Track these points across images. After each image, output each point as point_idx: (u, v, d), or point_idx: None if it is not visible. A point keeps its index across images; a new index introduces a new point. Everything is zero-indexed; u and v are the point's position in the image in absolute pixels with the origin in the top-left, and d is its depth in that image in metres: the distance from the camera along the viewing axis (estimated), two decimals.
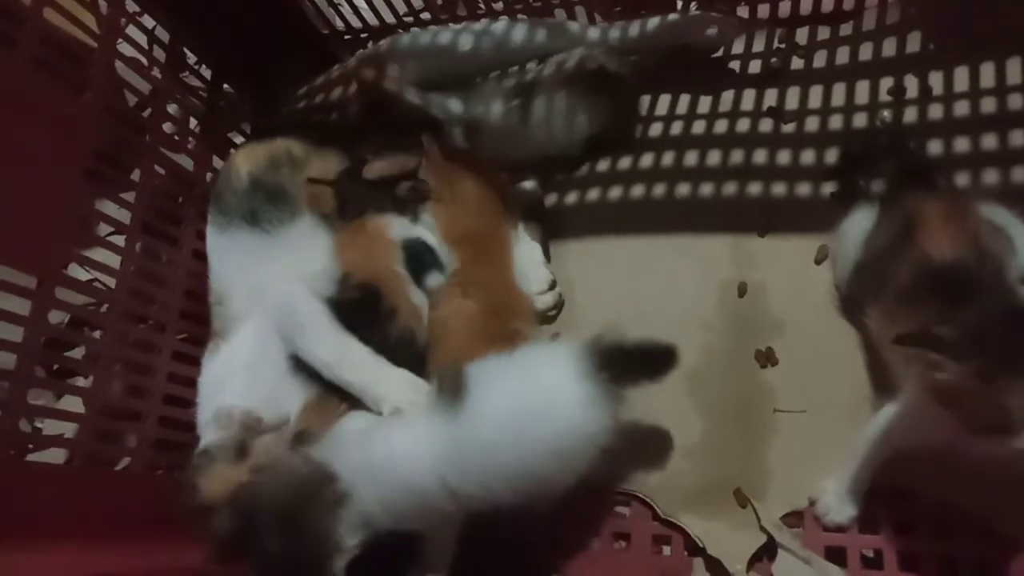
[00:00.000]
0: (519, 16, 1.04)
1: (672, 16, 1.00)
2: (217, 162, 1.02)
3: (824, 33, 1.02)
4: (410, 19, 1.09)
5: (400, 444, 0.68)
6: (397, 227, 0.89)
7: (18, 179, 0.75)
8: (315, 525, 0.64)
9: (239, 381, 0.81)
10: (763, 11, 1.03)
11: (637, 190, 1.01)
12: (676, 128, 1.03)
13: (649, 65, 1.05)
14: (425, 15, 1.09)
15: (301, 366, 0.80)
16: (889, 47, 0.99)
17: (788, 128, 0.99)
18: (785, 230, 0.94)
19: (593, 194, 1.03)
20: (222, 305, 0.89)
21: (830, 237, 0.89)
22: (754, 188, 0.97)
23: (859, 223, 0.82)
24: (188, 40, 0.99)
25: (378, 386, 0.75)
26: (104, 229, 0.94)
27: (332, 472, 0.66)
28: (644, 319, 0.93)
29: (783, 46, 1.03)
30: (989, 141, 0.89)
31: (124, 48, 0.90)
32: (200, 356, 0.89)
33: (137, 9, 0.93)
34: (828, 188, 0.94)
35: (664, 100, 1.05)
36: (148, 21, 1.02)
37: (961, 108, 0.92)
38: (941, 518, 0.79)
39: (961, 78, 0.93)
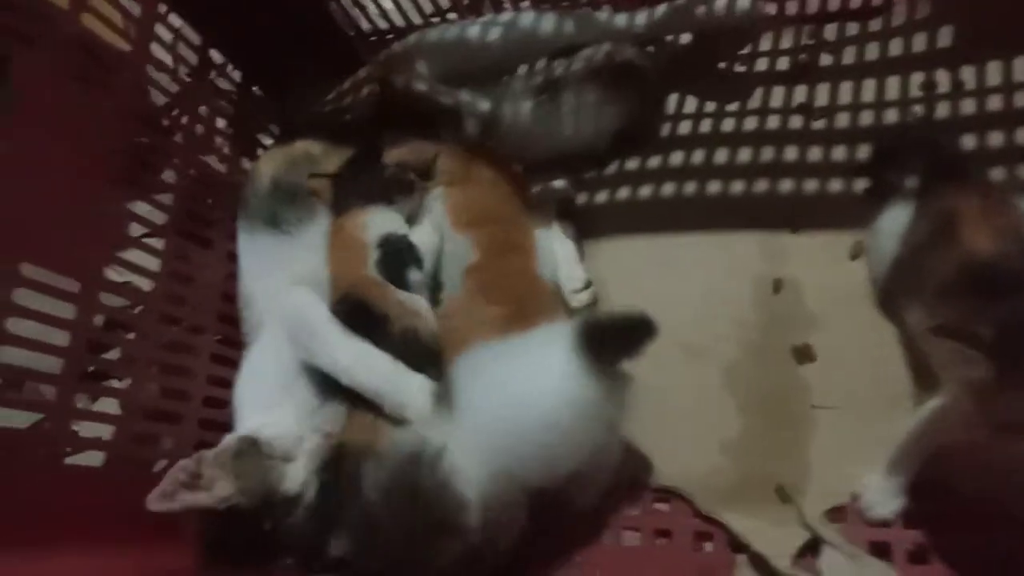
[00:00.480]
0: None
1: None
2: (246, 164, 1.03)
3: (853, 29, 1.02)
4: (437, 19, 1.09)
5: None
6: (377, 222, 0.86)
7: (57, 183, 0.76)
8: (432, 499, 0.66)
9: (260, 391, 0.81)
10: (791, 8, 1.03)
11: (668, 188, 1.01)
12: (705, 126, 1.03)
13: (677, 59, 1.05)
14: (452, 15, 1.09)
15: (316, 376, 0.79)
16: (919, 42, 0.99)
17: (818, 125, 0.99)
18: (818, 226, 0.94)
19: (623, 192, 1.03)
20: (248, 309, 0.89)
21: (865, 233, 0.89)
22: (785, 185, 0.97)
23: (895, 219, 0.82)
24: (218, 42, 0.99)
25: (400, 393, 0.73)
26: (136, 230, 0.95)
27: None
28: (678, 316, 0.91)
29: (812, 43, 1.04)
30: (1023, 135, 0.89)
31: (154, 49, 0.90)
32: (238, 359, 0.90)
33: (165, 11, 0.93)
34: (860, 184, 0.94)
35: (692, 98, 1.05)
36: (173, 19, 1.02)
37: (994, 103, 0.92)
38: (983, 513, 0.78)
39: (994, 72, 0.93)
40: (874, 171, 0.92)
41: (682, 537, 0.86)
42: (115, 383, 0.90)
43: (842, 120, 0.98)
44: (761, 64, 1.05)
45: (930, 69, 0.97)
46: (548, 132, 1.00)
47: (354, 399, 0.75)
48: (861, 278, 0.89)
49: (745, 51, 1.06)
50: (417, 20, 1.09)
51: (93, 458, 0.89)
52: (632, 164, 1.04)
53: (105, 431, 0.81)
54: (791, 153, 0.98)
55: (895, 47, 0.99)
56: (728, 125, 1.02)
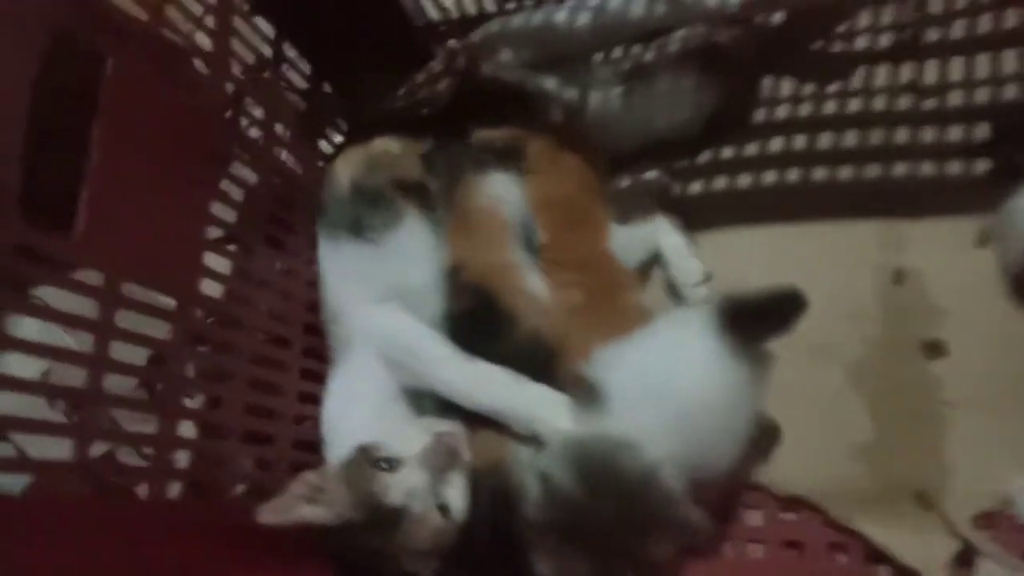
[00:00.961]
0: None
1: None
2: (319, 163, 0.97)
3: (961, 2, 0.96)
4: (512, 5, 1.03)
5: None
6: (505, 194, 0.81)
7: (148, 192, 0.69)
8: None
9: (354, 417, 0.76)
10: None
11: (769, 176, 0.95)
12: (804, 109, 0.97)
13: (768, 40, 0.99)
14: (528, 1, 1.02)
15: (419, 398, 0.75)
16: None
17: (929, 104, 0.93)
18: (938, 212, 0.88)
19: (720, 182, 0.97)
20: (336, 324, 0.84)
21: (992, 218, 0.84)
22: (899, 169, 0.91)
23: None
24: (290, 36, 0.93)
25: (528, 408, 0.69)
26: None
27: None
28: None
29: (916, 16, 0.98)
30: None
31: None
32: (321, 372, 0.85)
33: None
34: (982, 166, 0.88)
35: (787, 81, 0.99)
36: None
37: None
38: None
39: None
40: (996, 151, 0.87)
41: (814, 548, 0.81)
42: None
43: (955, 98, 0.92)
44: (861, 42, 0.98)
45: None
46: (638, 120, 0.94)
47: (471, 418, 0.70)
48: (990, 266, 0.84)
49: (842, 29, 0.99)
50: (491, 8, 1.03)
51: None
52: (728, 152, 0.98)
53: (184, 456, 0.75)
54: (902, 135, 0.92)
55: (1011, 17, 0.93)
56: (830, 108, 0.96)
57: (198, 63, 0.78)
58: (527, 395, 0.69)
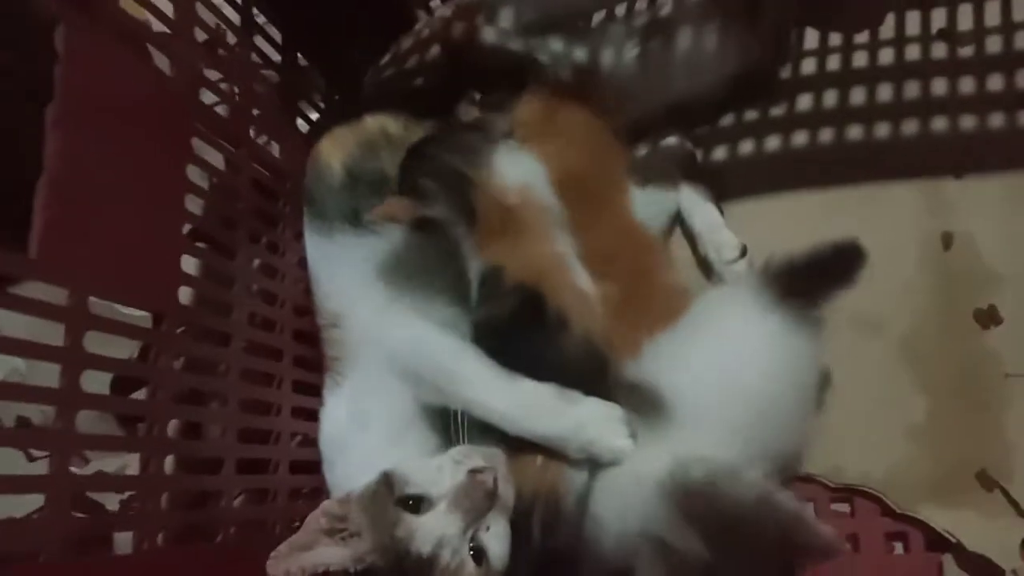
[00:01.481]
0: None
1: None
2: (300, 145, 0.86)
3: None
4: None
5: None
6: (529, 175, 0.71)
7: (118, 190, 0.58)
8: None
9: (366, 437, 0.67)
10: None
11: (799, 138, 0.87)
12: (833, 63, 0.89)
13: None
14: None
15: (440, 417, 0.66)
16: None
17: (966, 52, 0.86)
18: (985, 169, 0.81)
19: (746, 147, 0.89)
20: (339, 328, 0.73)
21: None
22: (939, 124, 0.84)
23: None
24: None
25: (583, 430, 0.59)
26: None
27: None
28: None
29: None
30: None
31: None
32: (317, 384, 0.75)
33: None
34: None
35: (812, 31, 0.91)
36: None
37: None
38: None
39: None
40: None
41: (871, 541, 0.75)
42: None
43: (993, 45, 0.85)
44: None
45: None
46: (656, 81, 0.85)
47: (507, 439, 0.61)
48: None
49: None
50: None
51: None
52: (752, 114, 0.90)
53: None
54: (940, 87, 0.85)
55: None
56: (860, 60, 0.88)
57: (159, 29, 0.66)
58: (581, 415, 0.60)
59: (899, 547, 0.75)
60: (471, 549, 0.55)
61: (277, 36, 0.86)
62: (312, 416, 0.74)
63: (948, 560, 0.73)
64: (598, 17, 0.89)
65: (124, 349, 0.73)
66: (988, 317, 0.78)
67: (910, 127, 0.85)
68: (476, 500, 0.54)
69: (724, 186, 0.87)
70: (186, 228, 0.67)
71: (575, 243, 0.71)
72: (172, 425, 0.61)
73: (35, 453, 0.75)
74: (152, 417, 0.58)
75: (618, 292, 0.70)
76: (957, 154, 0.83)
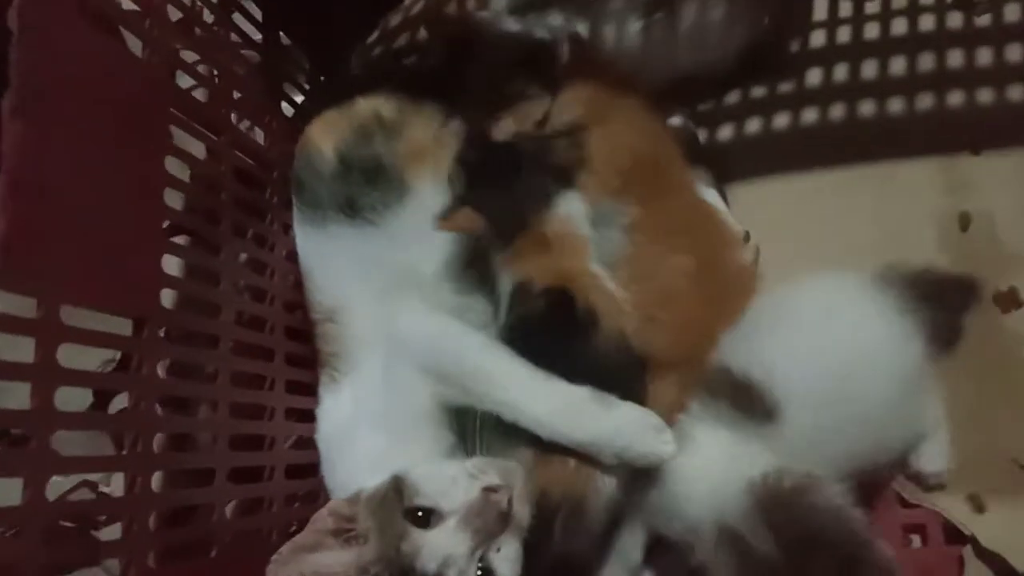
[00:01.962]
0: None
1: None
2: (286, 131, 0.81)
3: None
4: None
5: None
6: (574, 211, 0.68)
7: (84, 177, 0.54)
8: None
9: (377, 439, 0.63)
10: None
11: (809, 115, 0.84)
12: (844, 35, 0.85)
13: None
14: None
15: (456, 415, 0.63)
16: None
17: (982, 21, 0.83)
18: (1004, 144, 0.78)
19: (753, 125, 0.86)
20: (336, 323, 0.70)
21: None
22: (955, 97, 0.81)
23: None
24: None
25: (620, 435, 0.57)
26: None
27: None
28: (851, 266, 0.76)
29: None
30: None
31: None
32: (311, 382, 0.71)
33: None
34: None
35: (822, 2, 0.87)
36: None
37: None
38: None
39: None
40: None
41: (888, 533, 0.73)
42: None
43: (1012, 13, 0.82)
44: None
45: None
46: (660, 57, 0.81)
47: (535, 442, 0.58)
48: None
49: None
50: None
51: None
52: (759, 90, 0.86)
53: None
54: (956, 58, 0.82)
55: None
56: (871, 31, 0.85)
57: (129, 7, 0.61)
58: (618, 420, 0.58)
59: (916, 540, 0.73)
60: (479, 570, 0.51)
61: (257, 13, 0.80)
62: (307, 417, 0.71)
63: (969, 553, 0.71)
64: None
65: (104, 354, 0.69)
66: (1009, 300, 0.75)
67: (925, 101, 0.82)
68: (488, 520, 0.51)
69: (729, 167, 0.84)
70: (166, 224, 0.63)
71: (645, 218, 0.69)
72: (158, 438, 0.57)
73: None
74: (135, 431, 0.54)
75: (694, 264, 0.67)
76: (975, 129, 0.80)
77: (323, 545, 0.53)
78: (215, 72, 0.72)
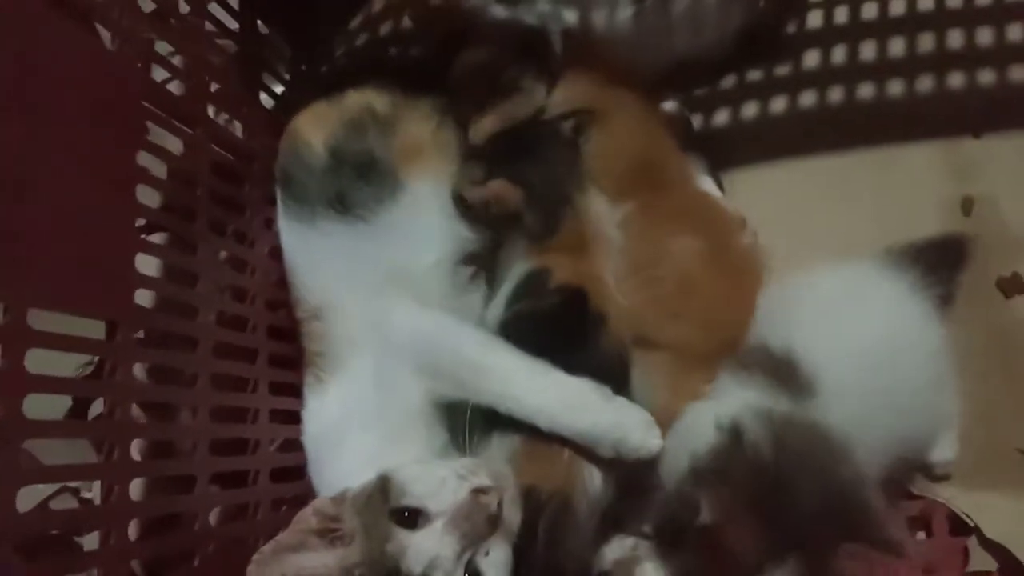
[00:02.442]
0: None
1: None
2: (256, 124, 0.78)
3: None
4: None
5: None
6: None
7: (53, 174, 0.51)
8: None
9: (367, 439, 0.61)
10: None
11: (807, 98, 0.82)
12: (841, 15, 0.83)
13: None
14: None
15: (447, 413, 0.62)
16: None
17: (983, 0, 0.80)
18: (1007, 127, 0.77)
19: (749, 110, 0.83)
20: (322, 321, 0.67)
21: None
22: (956, 80, 0.79)
23: None
24: None
25: (619, 427, 0.57)
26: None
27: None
28: (851, 253, 0.74)
29: None
30: None
31: None
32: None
33: None
34: None
35: None
36: None
37: None
38: None
39: None
40: None
41: None
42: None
43: None
44: None
45: None
46: (655, 42, 0.79)
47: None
48: None
49: None
50: None
51: None
52: (755, 73, 0.84)
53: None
54: (956, 39, 0.80)
55: None
56: (870, 11, 0.82)
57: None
58: (617, 410, 0.58)
59: (920, 534, 0.72)
60: (467, 575, 0.50)
61: (234, 1, 0.77)
62: (292, 418, 0.69)
63: (974, 544, 0.69)
64: None
65: (80, 358, 0.67)
66: (1012, 285, 0.74)
67: (925, 83, 0.80)
68: (477, 523, 0.49)
69: (725, 153, 0.82)
70: (140, 223, 0.60)
71: (642, 211, 0.69)
72: (136, 444, 0.55)
73: None
74: (112, 439, 0.52)
75: (703, 246, 0.67)
76: (976, 111, 0.78)
77: (306, 545, 0.51)
78: (189, 63, 0.69)
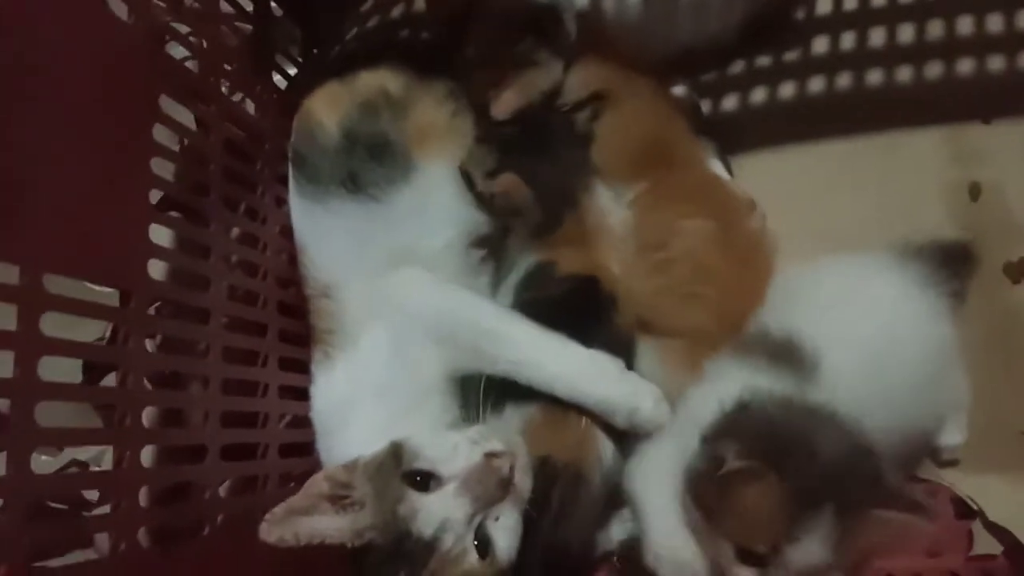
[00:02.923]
0: None
1: None
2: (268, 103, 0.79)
3: None
4: None
5: None
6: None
7: (69, 147, 0.52)
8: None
9: (378, 412, 0.62)
10: None
11: (816, 84, 0.82)
12: (850, 2, 0.83)
13: None
14: None
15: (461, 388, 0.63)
16: None
17: None
18: (1015, 113, 0.77)
19: (758, 95, 0.84)
20: (331, 299, 0.68)
21: None
22: (965, 66, 0.79)
23: None
24: None
25: (635, 396, 0.59)
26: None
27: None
28: (855, 241, 0.75)
29: None
30: None
31: None
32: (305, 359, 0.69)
33: None
34: None
35: None
36: None
37: None
38: None
39: None
40: None
41: None
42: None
43: None
44: None
45: None
46: (661, 29, 0.79)
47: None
48: None
49: None
50: None
51: None
52: (764, 59, 0.84)
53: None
54: (965, 26, 0.80)
55: None
56: None
57: None
58: (633, 382, 0.60)
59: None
60: (476, 539, 0.50)
61: None
62: (301, 395, 0.69)
63: (978, 528, 0.69)
64: None
65: (96, 329, 0.68)
66: (1019, 270, 0.74)
67: (933, 69, 0.80)
68: (488, 486, 0.50)
69: (734, 138, 0.82)
70: (155, 195, 0.61)
71: (652, 192, 0.70)
72: (148, 413, 0.55)
73: None
74: (124, 405, 0.52)
75: (713, 228, 0.67)
76: (984, 97, 0.78)
77: (317, 509, 0.52)
78: (204, 43, 0.70)
